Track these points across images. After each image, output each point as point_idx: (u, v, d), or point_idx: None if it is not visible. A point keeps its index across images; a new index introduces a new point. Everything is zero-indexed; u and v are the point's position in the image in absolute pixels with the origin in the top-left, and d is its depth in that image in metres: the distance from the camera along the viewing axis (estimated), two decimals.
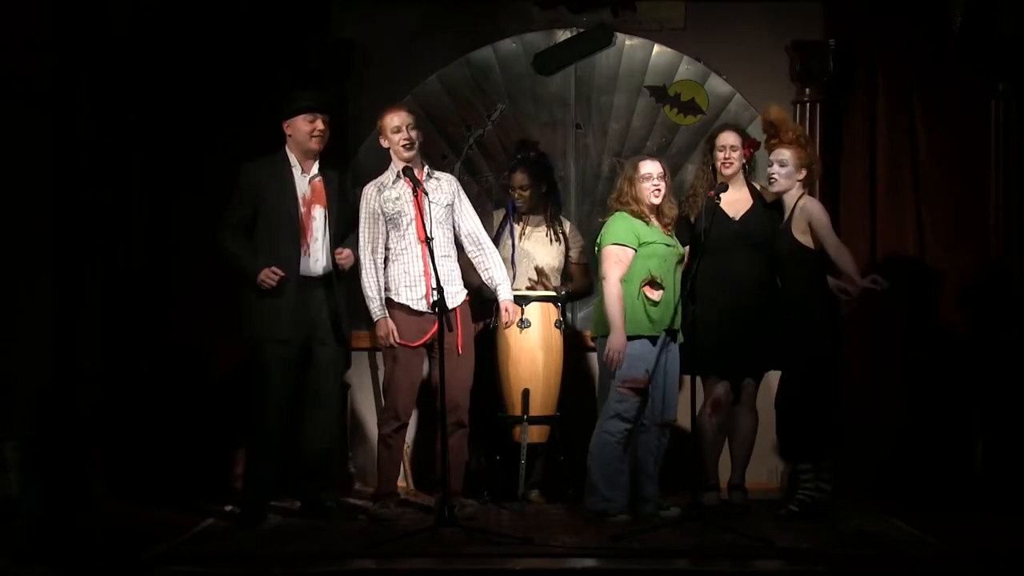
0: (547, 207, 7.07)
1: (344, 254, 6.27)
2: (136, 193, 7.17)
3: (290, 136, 6.32)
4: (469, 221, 6.52)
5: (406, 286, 6.39)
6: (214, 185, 6.67)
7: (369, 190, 6.48)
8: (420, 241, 6.32)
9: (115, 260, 7.09)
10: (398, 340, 6.34)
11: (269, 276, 6.13)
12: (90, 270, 6.95)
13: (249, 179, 6.27)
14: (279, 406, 6.23)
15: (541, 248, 6.99)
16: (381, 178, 6.50)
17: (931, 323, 7.30)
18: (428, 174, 6.48)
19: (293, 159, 6.32)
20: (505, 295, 6.47)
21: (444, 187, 6.48)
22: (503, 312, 6.45)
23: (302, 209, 6.26)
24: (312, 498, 6.39)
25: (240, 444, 6.85)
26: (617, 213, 6.38)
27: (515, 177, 6.99)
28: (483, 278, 6.54)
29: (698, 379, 6.49)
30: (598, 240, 6.41)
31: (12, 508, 6.12)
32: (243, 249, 6.23)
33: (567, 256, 7.07)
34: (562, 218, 7.15)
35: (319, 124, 6.27)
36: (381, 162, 6.68)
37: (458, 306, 6.38)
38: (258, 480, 6.29)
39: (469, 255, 6.53)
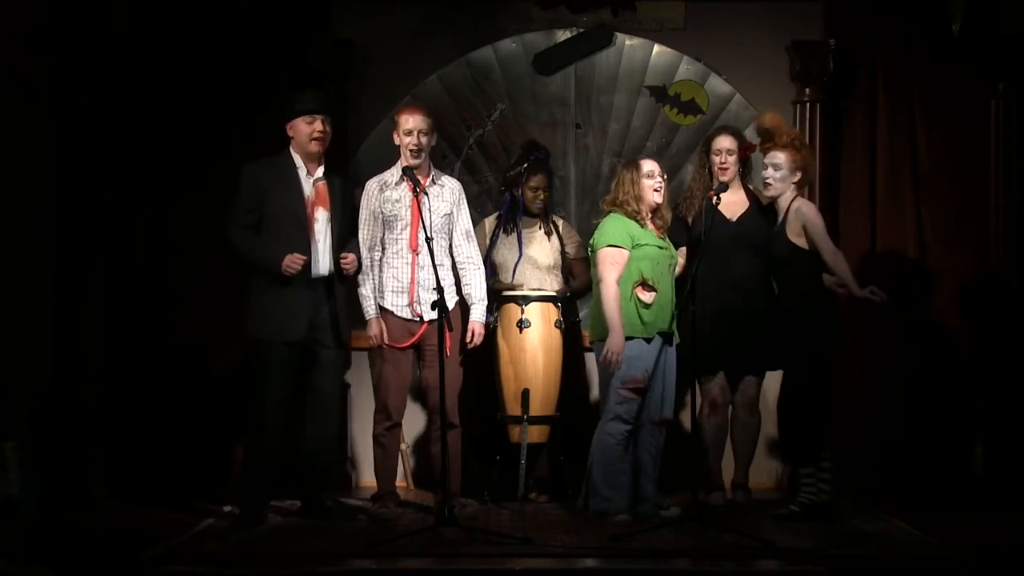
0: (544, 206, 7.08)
1: (349, 259, 6.26)
2: (136, 193, 7.17)
3: (292, 138, 6.31)
4: (463, 232, 6.53)
5: (392, 291, 6.39)
6: (214, 185, 6.67)
7: (371, 186, 6.48)
8: (411, 250, 6.33)
9: (115, 260, 7.09)
10: (387, 341, 6.35)
11: (294, 261, 6.08)
12: (90, 270, 6.94)
13: (252, 179, 6.25)
14: (279, 407, 6.22)
15: (537, 247, 6.99)
16: (385, 175, 6.50)
17: (931, 323, 7.30)
18: (433, 179, 6.47)
19: (298, 160, 6.29)
20: (477, 316, 6.50)
21: (446, 195, 6.47)
22: (468, 333, 6.47)
23: (307, 211, 6.25)
24: (312, 498, 6.39)
25: (238, 444, 6.85)
26: (611, 214, 6.37)
27: (534, 179, 6.96)
28: (463, 290, 6.54)
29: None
30: (591, 242, 6.41)
31: (12, 508, 6.13)
32: (258, 244, 6.19)
33: (563, 253, 7.06)
34: (554, 215, 7.15)
35: (318, 125, 6.24)
36: (382, 162, 6.68)
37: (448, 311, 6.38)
38: (257, 480, 6.28)
39: (456, 264, 6.53)
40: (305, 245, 6.19)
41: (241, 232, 6.20)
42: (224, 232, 6.22)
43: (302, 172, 6.28)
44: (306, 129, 6.24)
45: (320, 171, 6.31)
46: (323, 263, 6.26)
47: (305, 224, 6.21)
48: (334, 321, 6.26)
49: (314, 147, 6.25)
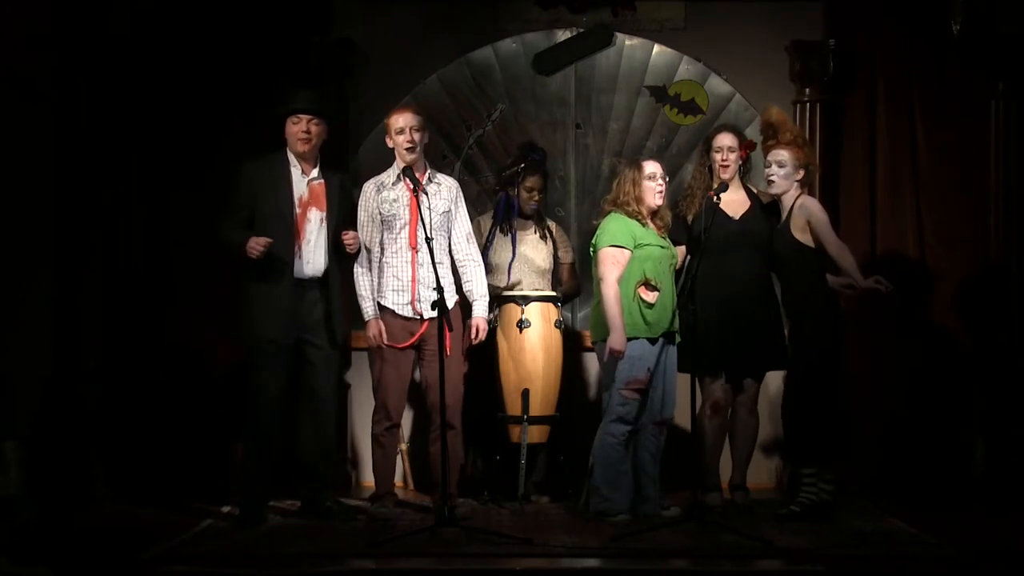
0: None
1: (350, 235, 6.24)
2: (136, 193, 7.17)
3: (286, 137, 6.32)
4: (462, 229, 6.52)
5: (393, 290, 6.39)
6: (214, 185, 6.67)
7: (368, 188, 6.48)
8: (411, 247, 6.33)
9: (115, 260, 7.09)
10: (386, 341, 6.36)
11: (256, 243, 6.06)
12: (90, 270, 6.94)
13: (248, 178, 6.26)
14: (272, 406, 6.21)
15: (532, 248, 6.99)
16: (382, 176, 6.50)
17: (931, 323, 7.30)
18: (430, 178, 6.47)
19: (293, 159, 6.30)
20: (479, 312, 6.49)
21: (443, 192, 6.47)
22: (471, 329, 6.46)
23: (297, 211, 6.24)
24: (311, 498, 6.39)
25: (237, 445, 6.84)
26: (612, 214, 6.37)
27: (530, 180, 6.96)
28: (464, 288, 6.54)
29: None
30: (593, 242, 6.40)
31: (12, 508, 6.12)
32: (232, 228, 6.18)
33: (556, 256, 7.06)
34: (548, 219, 7.15)
35: (303, 126, 6.24)
36: (381, 162, 6.68)
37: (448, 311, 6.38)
38: (255, 480, 6.28)
39: (456, 262, 6.53)
40: (289, 245, 6.18)
41: (226, 223, 6.21)
42: (216, 229, 6.23)
43: (296, 171, 6.29)
44: (292, 129, 6.26)
45: (316, 171, 6.31)
46: (314, 263, 6.25)
47: (291, 224, 6.21)
48: (327, 321, 6.25)
49: (300, 147, 6.26)
